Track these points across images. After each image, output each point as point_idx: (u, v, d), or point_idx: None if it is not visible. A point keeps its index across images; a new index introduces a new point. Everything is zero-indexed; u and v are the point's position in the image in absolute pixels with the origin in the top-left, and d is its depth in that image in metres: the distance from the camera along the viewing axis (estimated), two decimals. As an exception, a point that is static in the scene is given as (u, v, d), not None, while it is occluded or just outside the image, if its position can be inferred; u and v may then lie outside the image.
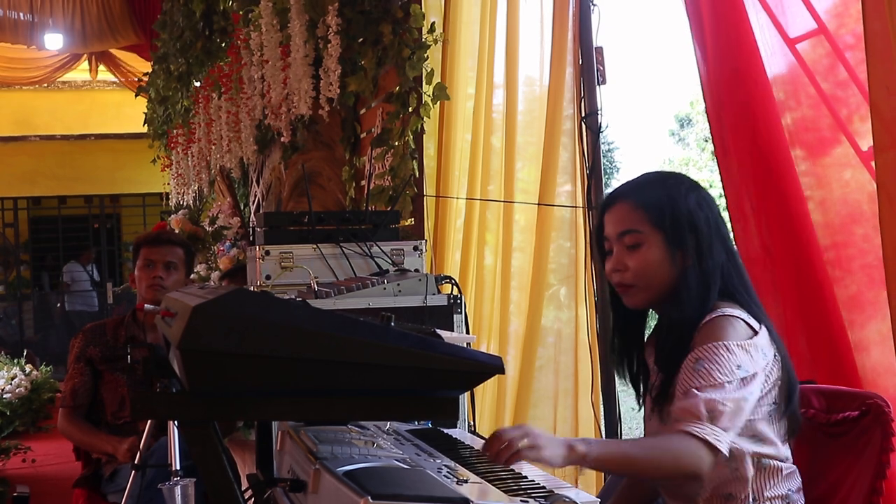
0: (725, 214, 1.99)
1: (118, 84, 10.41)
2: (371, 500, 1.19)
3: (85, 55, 9.81)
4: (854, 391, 1.99)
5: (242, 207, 6.51)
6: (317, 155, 4.60)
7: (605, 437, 3.04)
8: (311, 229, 2.64)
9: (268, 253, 2.56)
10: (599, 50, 3.12)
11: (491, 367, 1.30)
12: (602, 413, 3.12)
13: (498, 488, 1.40)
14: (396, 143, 3.44)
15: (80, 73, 10.61)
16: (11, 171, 11.86)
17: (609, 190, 2.46)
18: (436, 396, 1.32)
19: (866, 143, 2.14)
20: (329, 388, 1.26)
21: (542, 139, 3.19)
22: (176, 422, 2.08)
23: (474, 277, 3.34)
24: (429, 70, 3.33)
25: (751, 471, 1.75)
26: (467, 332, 2.44)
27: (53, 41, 8.82)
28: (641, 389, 1.94)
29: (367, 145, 3.79)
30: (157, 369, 1.53)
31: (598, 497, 1.39)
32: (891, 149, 1.75)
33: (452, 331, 2.35)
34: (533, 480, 1.48)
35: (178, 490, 2.00)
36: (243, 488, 1.44)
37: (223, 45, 5.81)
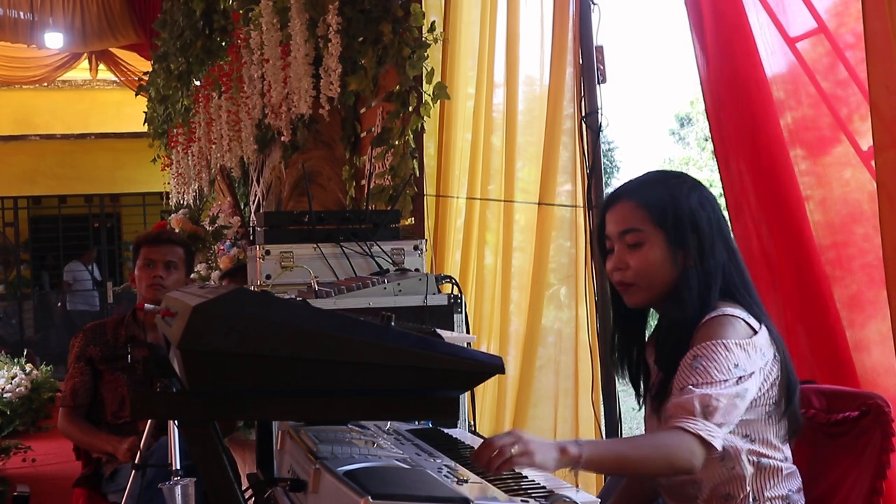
0: (725, 214, 1.99)
1: (118, 83, 10.40)
2: (371, 500, 1.19)
3: (85, 54, 9.81)
4: (854, 391, 1.99)
5: (242, 207, 6.51)
6: (317, 154, 4.59)
7: (606, 437, 3.04)
8: (312, 229, 2.63)
9: (268, 252, 2.56)
10: (599, 49, 3.12)
11: (491, 366, 1.30)
12: (602, 413, 3.12)
13: (498, 488, 1.40)
14: (396, 143, 3.44)
15: (80, 72, 10.60)
16: (11, 170, 11.86)
17: (609, 190, 2.46)
18: (436, 396, 1.32)
19: (866, 142, 2.14)
20: (329, 388, 1.26)
21: (542, 139, 3.19)
22: (176, 422, 2.08)
23: (474, 277, 3.34)
24: (429, 69, 3.33)
25: (748, 469, 1.75)
26: (467, 332, 2.44)
27: (53, 40, 8.82)
28: (642, 389, 1.94)
29: (368, 144, 3.79)
30: (157, 369, 1.53)
31: (598, 497, 1.39)
32: (891, 148, 1.75)
33: (452, 331, 2.35)
34: (533, 480, 1.48)
35: (178, 490, 2.00)
36: (243, 488, 1.44)
37: (223, 44, 5.80)
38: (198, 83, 6.46)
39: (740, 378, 1.66)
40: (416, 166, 3.35)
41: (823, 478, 1.89)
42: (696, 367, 1.67)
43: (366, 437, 1.65)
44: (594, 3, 3.11)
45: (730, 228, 1.89)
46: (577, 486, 1.44)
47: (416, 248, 2.68)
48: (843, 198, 2.25)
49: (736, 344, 1.69)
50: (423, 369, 1.26)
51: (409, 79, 3.34)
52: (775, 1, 2.34)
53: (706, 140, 13.87)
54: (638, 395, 1.96)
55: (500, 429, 3.25)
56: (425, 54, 3.32)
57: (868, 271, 2.21)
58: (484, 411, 3.26)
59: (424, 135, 3.44)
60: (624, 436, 3.14)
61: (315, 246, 2.60)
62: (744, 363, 1.68)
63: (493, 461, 1.41)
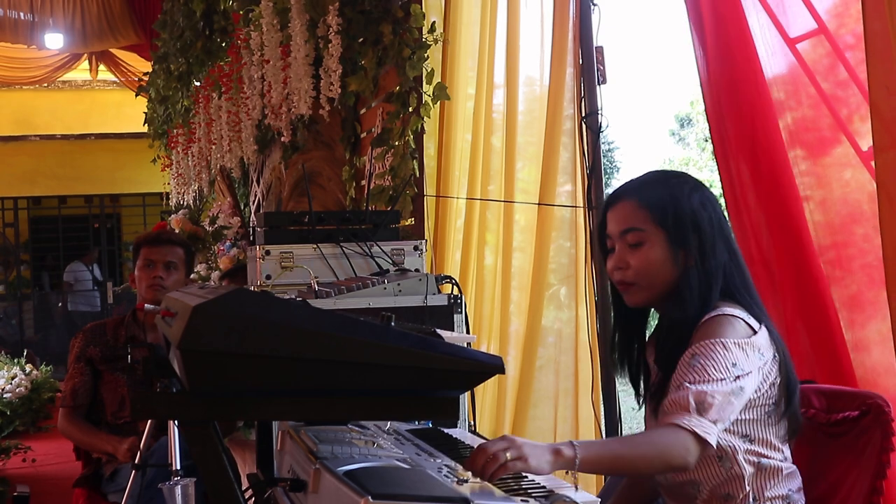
0: (725, 214, 1.99)
1: (118, 84, 10.40)
2: (371, 500, 1.19)
3: (85, 55, 9.81)
4: (854, 391, 1.99)
5: (242, 207, 6.51)
6: (317, 155, 4.60)
7: (606, 437, 3.04)
8: (312, 229, 2.64)
9: (268, 253, 2.56)
10: (599, 50, 3.12)
11: (491, 366, 1.30)
12: (602, 413, 3.12)
13: (498, 488, 1.40)
14: (396, 143, 3.44)
15: (81, 72, 10.61)
16: (11, 170, 11.86)
17: (609, 190, 2.46)
18: (436, 396, 1.32)
19: (866, 142, 2.14)
20: (329, 388, 1.26)
21: (542, 139, 3.19)
22: (176, 422, 2.08)
23: (474, 277, 3.34)
24: (429, 70, 3.33)
25: (747, 469, 1.75)
26: (467, 332, 2.44)
27: (53, 41, 8.82)
28: (642, 389, 1.94)
29: (368, 145, 3.79)
30: (157, 369, 1.53)
31: (598, 497, 1.39)
32: (890, 149, 1.75)
33: (452, 331, 2.35)
34: (533, 480, 1.48)
35: (178, 490, 2.00)
36: (243, 488, 1.44)
37: (223, 44, 5.81)
38: (198, 84, 6.46)
39: (738, 377, 1.66)
40: (416, 167, 3.35)
41: (823, 478, 1.89)
42: (693, 365, 1.67)
43: (366, 437, 1.65)
44: (594, 4, 3.11)
45: (731, 228, 1.89)
46: (576, 485, 1.44)
47: (416, 248, 2.68)
48: (844, 198, 2.26)
49: (734, 343, 1.69)
50: (423, 369, 1.26)
51: (409, 79, 3.34)
52: (775, 2, 2.35)
53: (706, 141, 13.87)
54: (638, 394, 1.96)
55: (501, 429, 3.25)
56: (425, 55, 3.32)
57: (868, 271, 2.21)
58: (484, 411, 3.26)
59: (424, 135, 3.44)
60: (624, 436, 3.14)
61: (315, 246, 2.60)
62: (742, 362, 1.68)
63: (487, 467, 1.40)
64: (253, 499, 1.56)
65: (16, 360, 6.96)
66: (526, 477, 1.50)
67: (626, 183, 1.90)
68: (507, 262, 3.29)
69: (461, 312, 2.39)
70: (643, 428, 2.04)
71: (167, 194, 8.28)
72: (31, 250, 12.81)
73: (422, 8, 3.37)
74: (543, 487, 1.43)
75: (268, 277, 2.55)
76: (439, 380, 1.28)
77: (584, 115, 3.11)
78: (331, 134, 4.43)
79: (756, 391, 1.73)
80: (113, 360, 3.15)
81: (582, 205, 3.15)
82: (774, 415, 1.78)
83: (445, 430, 1.98)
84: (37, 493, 4.39)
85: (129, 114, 9.92)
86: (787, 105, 2.34)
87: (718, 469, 1.76)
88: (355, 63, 3.80)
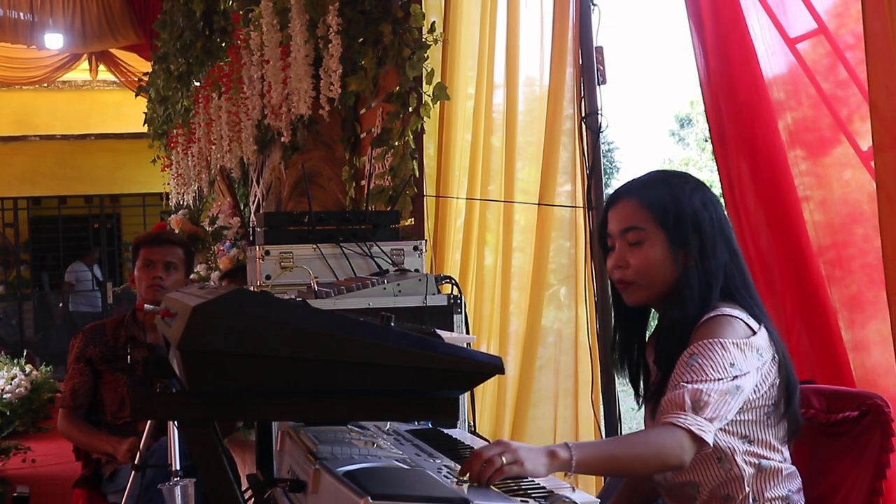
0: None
1: (118, 84, 10.40)
2: (371, 501, 1.19)
3: (85, 55, 9.81)
4: (854, 391, 1.99)
5: (242, 207, 6.51)
6: (317, 155, 4.59)
7: (606, 437, 3.04)
8: (311, 229, 2.63)
9: (268, 253, 2.56)
10: (599, 50, 3.12)
11: (491, 367, 1.30)
12: (602, 413, 3.12)
13: (498, 488, 1.40)
14: (396, 143, 3.44)
15: (80, 72, 10.61)
16: (11, 171, 11.86)
17: (609, 190, 2.46)
18: (436, 396, 1.32)
19: (866, 142, 2.14)
20: (329, 388, 1.26)
21: (542, 139, 3.19)
22: (176, 422, 2.08)
23: (474, 277, 3.34)
24: (429, 70, 3.32)
25: (746, 470, 1.75)
26: (467, 332, 2.43)
27: (53, 41, 8.82)
28: (642, 389, 1.94)
29: (367, 145, 3.79)
30: (157, 369, 1.53)
31: (598, 497, 1.39)
32: (890, 148, 1.75)
33: (452, 331, 2.35)
34: (532, 480, 1.48)
35: (178, 490, 2.00)
36: (243, 488, 1.44)
37: (223, 44, 5.80)
38: (198, 84, 6.46)
39: (735, 377, 1.66)
40: (415, 167, 3.35)
41: (823, 478, 1.89)
42: (691, 364, 1.67)
43: (366, 438, 1.65)
44: (594, 4, 3.11)
45: (732, 229, 1.89)
46: (575, 486, 1.44)
47: (415, 248, 2.67)
48: (843, 198, 2.26)
49: (733, 343, 1.69)
50: (423, 369, 1.26)
51: (409, 79, 3.34)
52: (775, 2, 2.35)
53: (706, 141, 13.87)
54: (638, 395, 1.96)
55: (501, 429, 3.25)
56: (425, 55, 3.32)
57: (868, 272, 2.21)
58: (484, 411, 3.26)
59: (424, 135, 3.44)
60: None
61: (315, 246, 2.60)
62: (740, 363, 1.67)
63: (483, 472, 1.40)
64: (253, 499, 1.56)
65: (15, 361, 6.96)
66: (525, 477, 1.50)
67: (628, 182, 1.90)
68: (507, 262, 3.29)
69: (461, 312, 2.39)
70: (643, 428, 2.04)
71: (167, 194, 8.28)
72: (31, 250, 12.81)
73: (422, 8, 3.37)
74: (543, 488, 1.43)
75: (268, 277, 2.55)
76: (439, 380, 1.28)
77: (583, 115, 3.11)
78: (331, 134, 4.43)
79: (755, 392, 1.73)
80: (113, 360, 3.15)
81: (582, 205, 3.15)
82: (774, 416, 1.77)
83: (445, 431, 1.97)
84: (37, 494, 4.38)
85: (129, 114, 9.92)
86: (787, 105, 2.34)
87: (718, 470, 1.76)
88: (355, 63, 3.80)
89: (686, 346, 1.72)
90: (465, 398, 2.29)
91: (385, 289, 2.37)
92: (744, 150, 2.43)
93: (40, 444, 5.65)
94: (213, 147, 5.82)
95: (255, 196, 6.04)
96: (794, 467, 1.81)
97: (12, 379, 6.51)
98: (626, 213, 1.83)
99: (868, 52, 1.79)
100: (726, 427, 1.72)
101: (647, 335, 1.95)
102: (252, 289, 2.43)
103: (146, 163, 9.07)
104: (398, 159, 3.41)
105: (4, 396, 6.28)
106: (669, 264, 1.80)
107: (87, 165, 12.16)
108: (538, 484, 1.45)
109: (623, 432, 3.13)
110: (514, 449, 1.43)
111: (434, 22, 3.37)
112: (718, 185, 2.55)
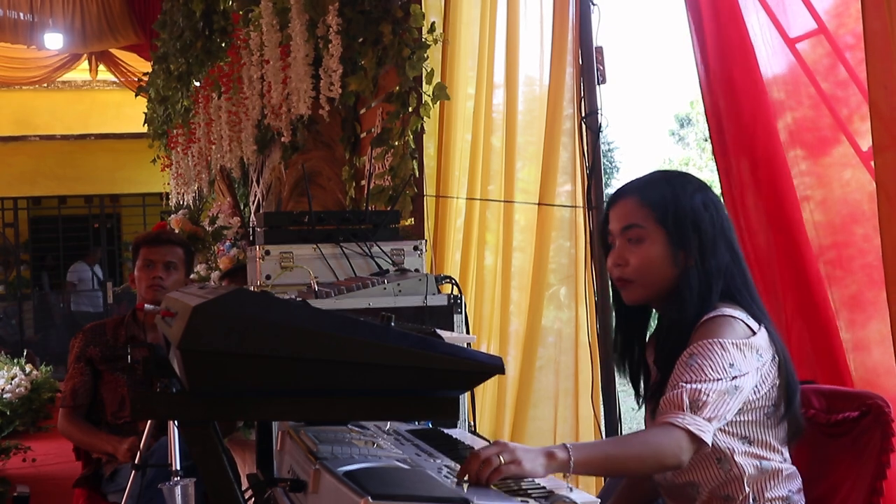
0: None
1: (118, 84, 10.40)
2: (371, 501, 1.19)
3: (85, 55, 9.81)
4: (854, 391, 1.99)
5: (242, 207, 6.51)
6: (317, 155, 4.59)
7: (606, 437, 3.04)
8: (311, 229, 2.63)
9: (268, 253, 2.56)
10: (599, 50, 3.12)
11: (491, 367, 1.30)
12: (602, 413, 3.12)
13: (498, 488, 1.40)
14: (396, 143, 3.44)
15: (80, 72, 10.60)
16: (11, 171, 11.86)
17: (609, 190, 2.47)
18: (436, 396, 1.32)
19: (866, 142, 2.14)
20: (329, 388, 1.26)
21: (542, 139, 3.19)
22: (176, 422, 2.08)
23: (474, 277, 3.34)
24: (429, 70, 3.32)
25: (746, 470, 1.75)
26: (467, 332, 2.43)
27: (53, 41, 8.81)
28: (642, 389, 1.94)
29: (367, 145, 3.79)
30: (157, 369, 1.53)
31: (598, 497, 1.39)
32: (890, 148, 1.75)
33: (452, 331, 2.35)
34: (533, 480, 1.48)
35: (178, 490, 2.00)
36: (243, 488, 1.44)
37: (223, 44, 5.80)
38: (197, 84, 6.46)
39: (734, 377, 1.66)
40: (415, 167, 3.35)
41: (823, 478, 1.89)
42: (691, 364, 1.67)
43: (366, 438, 1.65)
44: (594, 4, 3.11)
45: (734, 230, 1.89)
46: (575, 485, 1.44)
47: (415, 248, 2.67)
48: (844, 198, 2.26)
49: (732, 344, 1.69)
50: (423, 369, 1.26)
51: (408, 79, 3.34)
52: (775, 2, 2.35)
53: (706, 141, 13.87)
54: (638, 395, 1.96)
55: (501, 429, 3.25)
56: (425, 55, 3.32)
57: (868, 271, 2.21)
58: (484, 411, 3.26)
59: (424, 135, 3.44)
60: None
61: (315, 246, 2.60)
62: (739, 363, 1.67)
63: (481, 472, 1.40)
64: (253, 499, 1.56)
65: (16, 361, 6.97)
66: (524, 478, 1.50)
67: (631, 181, 1.90)
68: (507, 262, 3.29)
69: (461, 312, 2.39)
70: (643, 428, 2.04)
71: (167, 194, 8.28)
72: (31, 250, 12.81)
73: (421, 8, 3.36)
74: (543, 488, 1.43)
75: (268, 277, 2.55)
76: (439, 380, 1.28)
77: (583, 114, 3.11)
78: (331, 134, 4.43)
79: (755, 393, 1.73)
80: (113, 360, 3.16)
81: (582, 205, 3.15)
82: (774, 417, 1.77)
83: (445, 431, 1.97)
84: (37, 494, 4.39)
85: (129, 114, 9.92)
86: (787, 105, 2.34)
87: (717, 471, 1.76)
88: (355, 63, 3.80)
89: (686, 347, 1.72)
90: (465, 398, 2.29)
91: (385, 289, 2.37)
92: (744, 150, 2.43)
93: (40, 444, 5.65)
94: (213, 147, 5.82)
95: (255, 196, 6.04)
96: (794, 467, 1.81)
97: (12, 379, 6.51)
98: (627, 212, 1.83)
99: (868, 51, 1.79)
100: (726, 428, 1.72)
101: (647, 335, 1.95)
102: (252, 289, 2.43)
103: (146, 163, 9.07)
104: (398, 159, 3.41)
105: (4, 396, 6.29)
106: (669, 263, 1.80)
107: (87, 165, 12.16)
108: (538, 484, 1.45)
109: (623, 432, 3.13)
110: (512, 449, 1.44)
111: (434, 22, 3.37)
112: (718, 185, 2.55)
